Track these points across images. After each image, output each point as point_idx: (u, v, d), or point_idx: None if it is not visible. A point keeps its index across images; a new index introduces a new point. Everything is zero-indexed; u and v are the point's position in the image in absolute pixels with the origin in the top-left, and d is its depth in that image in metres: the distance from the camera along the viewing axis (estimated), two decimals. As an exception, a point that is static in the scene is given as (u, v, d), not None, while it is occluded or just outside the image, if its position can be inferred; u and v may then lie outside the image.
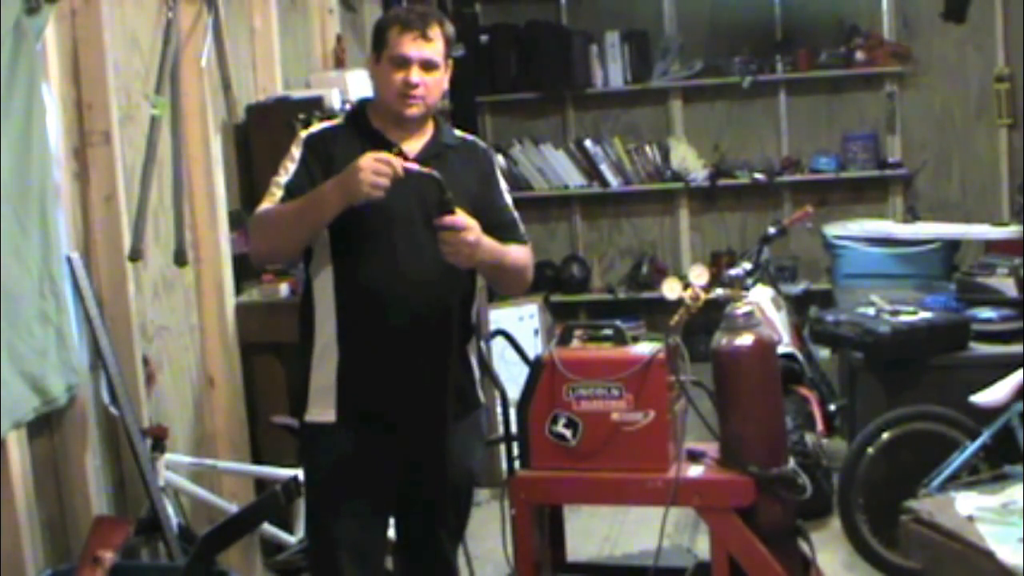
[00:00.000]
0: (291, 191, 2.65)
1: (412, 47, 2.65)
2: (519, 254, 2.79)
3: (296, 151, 2.71)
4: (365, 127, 2.74)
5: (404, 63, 2.65)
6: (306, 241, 2.66)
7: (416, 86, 2.65)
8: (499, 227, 2.74)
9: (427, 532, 2.87)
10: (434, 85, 2.70)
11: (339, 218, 2.59)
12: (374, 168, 2.47)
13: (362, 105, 2.84)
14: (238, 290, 4.11)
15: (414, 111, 2.69)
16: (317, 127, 2.82)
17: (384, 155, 2.50)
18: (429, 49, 2.66)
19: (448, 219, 2.51)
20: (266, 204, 2.67)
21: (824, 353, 5.22)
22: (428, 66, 2.67)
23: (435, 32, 2.67)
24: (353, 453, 2.70)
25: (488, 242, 2.62)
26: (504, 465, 3.03)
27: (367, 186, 2.46)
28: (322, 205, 2.55)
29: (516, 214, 2.87)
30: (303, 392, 2.75)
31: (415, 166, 2.55)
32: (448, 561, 2.91)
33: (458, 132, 2.90)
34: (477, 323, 2.86)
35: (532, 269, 2.87)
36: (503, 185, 2.89)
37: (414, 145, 2.74)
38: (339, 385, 2.69)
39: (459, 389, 2.75)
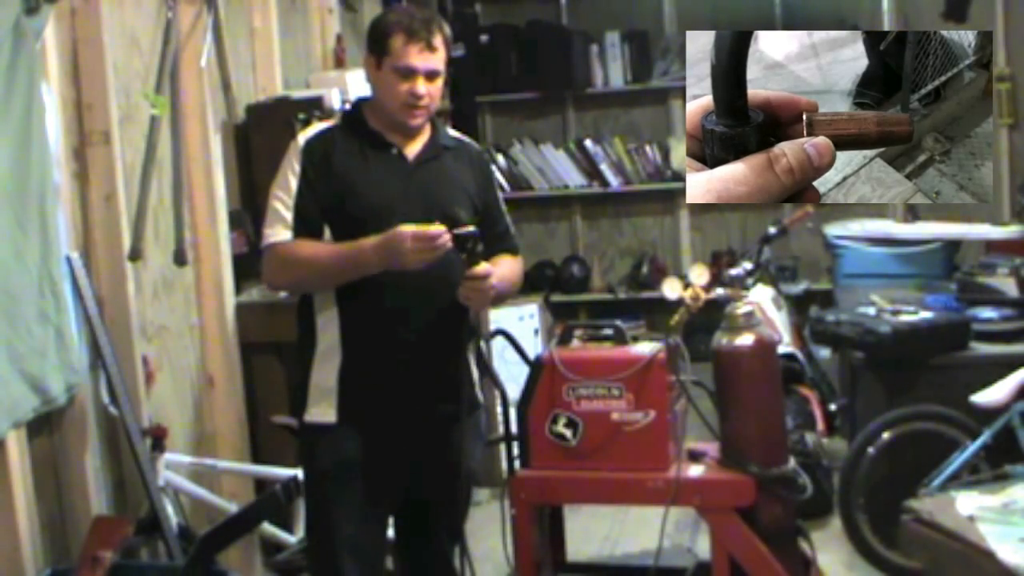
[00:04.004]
0: (301, 214, 2.64)
1: (419, 59, 2.63)
2: (515, 273, 2.86)
3: (296, 162, 2.68)
4: (362, 128, 2.73)
5: (410, 74, 2.64)
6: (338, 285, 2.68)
7: (422, 97, 2.65)
8: (494, 236, 2.78)
9: (426, 532, 2.88)
10: (437, 93, 2.70)
11: (342, 224, 2.61)
12: (415, 247, 2.51)
13: (358, 106, 2.82)
14: (238, 290, 4.10)
15: (419, 122, 2.70)
16: (313, 130, 2.77)
17: (423, 232, 2.51)
18: (435, 59, 2.66)
19: (479, 270, 2.59)
20: (280, 233, 2.65)
21: (824, 353, 5.21)
22: (433, 76, 2.66)
23: (439, 40, 2.66)
24: (353, 453, 2.69)
25: (499, 279, 2.67)
26: (504, 465, 3.02)
27: (413, 260, 2.52)
28: (364, 268, 2.59)
29: (509, 219, 2.92)
30: (302, 392, 2.75)
31: (456, 232, 2.57)
32: (447, 561, 2.91)
33: (452, 132, 2.90)
34: (477, 325, 2.87)
35: (522, 276, 2.94)
36: (500, 191, 2.93)
37: (412, 147, 2.74)
38: (340, 386, 2.69)
39: (460, 390, 2.75)
